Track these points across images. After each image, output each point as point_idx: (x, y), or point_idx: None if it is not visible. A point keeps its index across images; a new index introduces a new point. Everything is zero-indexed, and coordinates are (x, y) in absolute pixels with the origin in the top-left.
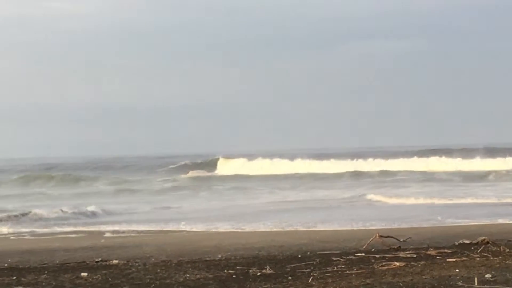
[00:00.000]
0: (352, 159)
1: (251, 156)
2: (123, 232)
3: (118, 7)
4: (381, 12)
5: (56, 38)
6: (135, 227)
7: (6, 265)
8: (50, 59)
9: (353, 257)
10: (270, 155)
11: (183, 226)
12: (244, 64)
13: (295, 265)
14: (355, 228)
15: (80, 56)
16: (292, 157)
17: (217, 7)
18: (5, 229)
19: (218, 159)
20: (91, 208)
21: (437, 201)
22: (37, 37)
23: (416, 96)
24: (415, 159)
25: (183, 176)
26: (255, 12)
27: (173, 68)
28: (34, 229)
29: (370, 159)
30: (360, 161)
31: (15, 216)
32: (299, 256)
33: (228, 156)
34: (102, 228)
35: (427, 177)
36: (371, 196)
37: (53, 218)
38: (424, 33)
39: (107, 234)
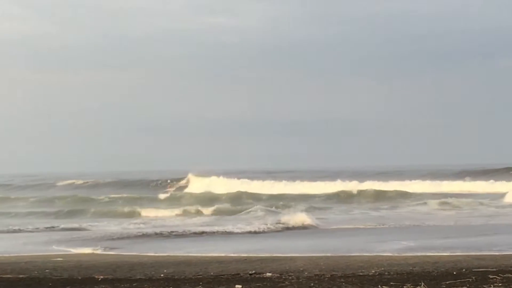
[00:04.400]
0: None
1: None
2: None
3: (272, 22)
4: None
5: (206, 52)
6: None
7: (162, 275)
8: (200, 73)
9: (510, 275)
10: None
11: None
12: (392, 79)
13: (450, 282)
14: None
15: (227, 71)
16: None
17: (360, 21)
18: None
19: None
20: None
21: None
22: (188, 51)
23: None
24: None
25: None
26: (399, 26)
27: (317, 84)
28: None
29: None
30: None
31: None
32: (454, 273)
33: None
34: None
35: None
36: None
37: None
38: None
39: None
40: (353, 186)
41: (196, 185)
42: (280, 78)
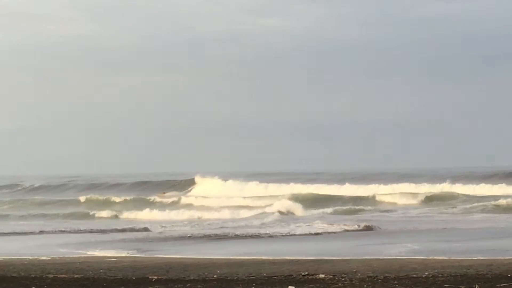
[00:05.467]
0: None
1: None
2: None
3: (324, 24)
4: None
5: (255, 54)
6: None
7: (215, 276)
8: (248, 74)
9: None
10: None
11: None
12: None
13: (504, 284)
14: None
15: (279, 72)
16: None
17: (408, 23)
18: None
19: None
20: None
21: None
22: (237, 53)
23: None
24: None
25: None
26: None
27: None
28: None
29: None
30: None
31: None
32: (509, 275)
33: None
34: None
35: None
36: None
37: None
38: None
39: None
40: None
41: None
42: (329, 79)
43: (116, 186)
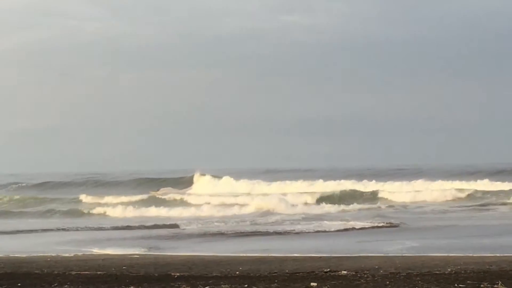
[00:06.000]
0: None
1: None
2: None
3: (350, 20)
4: None
5: (285, 51)
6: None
7: (237, 273)
8: (277, 71)
9: None
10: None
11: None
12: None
13: None
14: None
15: (305, 68)
16: None
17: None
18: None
19: None
20: None
21: None
22: (267, 51)
23: None
24: None
25: None
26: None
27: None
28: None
29: None
30: None
31: None
32: None
33: None
34: None
35: None
36: None
37: None
38: None
39: None
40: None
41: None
42: (355, 76)
43: (155, 181)
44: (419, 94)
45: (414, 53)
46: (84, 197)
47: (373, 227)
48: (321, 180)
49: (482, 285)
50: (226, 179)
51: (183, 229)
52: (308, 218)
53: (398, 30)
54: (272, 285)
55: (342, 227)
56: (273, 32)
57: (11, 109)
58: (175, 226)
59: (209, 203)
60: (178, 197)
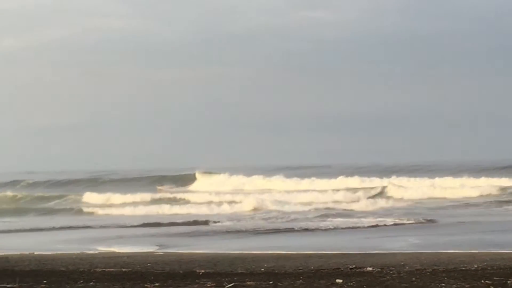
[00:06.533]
0: None
1: None
2: None
3: (374, 15)
4: None
5: (308, 46)
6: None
7: (262, 269)
8: (304, 67)
9: None
10: None
11: None
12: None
13: None
14: None
15: (328, 65)
16: None
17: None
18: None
19: None
20: None
21: None
22: (289, 46)
23: None
24: None
25: None
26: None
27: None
28: None
29: None
30: None
31: None
32: None
33: None
34: None
35: None
36: None
37: None
38: None
39: None
40: None
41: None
42: (379, 72)
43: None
44: (448, 88)
45: (439, 47)
46: (94, 196)
47: (403, 224)
48: (356, 176)
49: (509, 282)
50: (256, 177)
51: (209, 225)
52: (328, 214)
53: (423, 24)
54: (297, 281)
55: (373, 223)
56: (296, 28)
57: (40, 106)
58: (199, 223)
59: (232, 201)
60: (202, 196)
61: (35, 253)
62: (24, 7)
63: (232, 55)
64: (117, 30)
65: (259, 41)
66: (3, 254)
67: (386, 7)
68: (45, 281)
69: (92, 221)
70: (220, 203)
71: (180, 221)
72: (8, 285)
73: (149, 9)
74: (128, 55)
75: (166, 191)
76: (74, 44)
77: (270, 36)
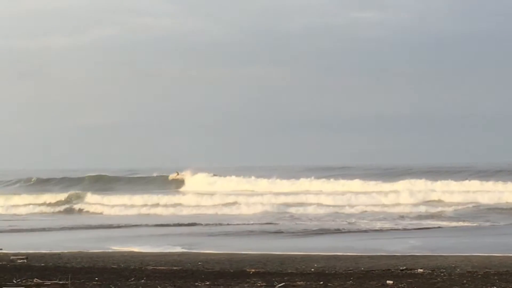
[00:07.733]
0: None
1: None
2: None
3: (421, 16)
4: None
5: (354, 47)
6: None
7: (312, 270)
8: (345, 67)
9: None
10: None
11: None
12: None
13: None
14: None
15: (372, 65)
16: None
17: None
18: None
19: None
20: None
21: None
22: (334, 46)
23: None
24: None
25: None
26: None
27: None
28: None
29: None
30: None
31: None
32: None
33: None
34: None
35: None
36: None
37: None
38: None
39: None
40: None
41: None
42: (428, 74)
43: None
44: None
45: (484, 48)
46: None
47: (455, 226)
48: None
49: None
50: (303, 180)
51: (253, 225)
52: (380, 216)
53: (469, 25)
54: (348, 282)
55: (422, 226)
56: (344, 28)
57: (84, 105)
58: (243, 223)
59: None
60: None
61: (89, 250)
62: (76, 7)
63: (276, 55)
64: (165, 29)
65: (304, 40)
66: (55, 251)
67: (433, 8)
68: (96, 278)
69: (142, 220)
70: (252, 204)
71: (235, 222)
72: (60, 282)
73: (197, 8)
74: (177, 54)
75: (187, 192)
76: (121, 43)
77: (317, 36)
